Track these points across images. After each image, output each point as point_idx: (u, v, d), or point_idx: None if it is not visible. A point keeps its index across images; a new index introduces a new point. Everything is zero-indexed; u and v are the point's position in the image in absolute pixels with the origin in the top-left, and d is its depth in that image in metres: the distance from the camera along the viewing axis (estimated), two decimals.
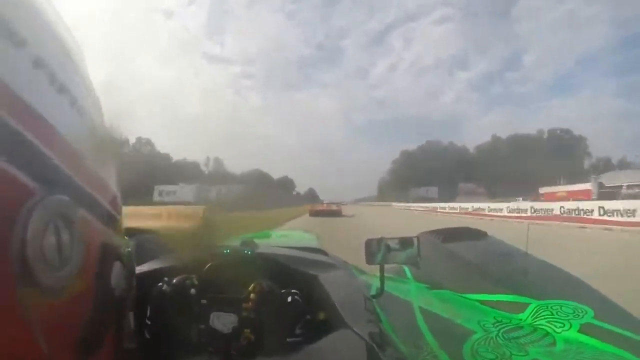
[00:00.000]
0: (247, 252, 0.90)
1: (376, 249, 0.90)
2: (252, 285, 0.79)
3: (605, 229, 10.17)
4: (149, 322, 0.79)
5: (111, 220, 0.37)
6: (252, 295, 0.78)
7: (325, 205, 25.00)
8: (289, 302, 0.79)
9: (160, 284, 0.80)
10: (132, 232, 1.28)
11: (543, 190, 33.05)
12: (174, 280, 0.80)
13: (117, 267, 0.36)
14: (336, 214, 21.28)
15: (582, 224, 11.37)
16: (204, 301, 0.79)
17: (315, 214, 21.35)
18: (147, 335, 0.78)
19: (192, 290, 0.79)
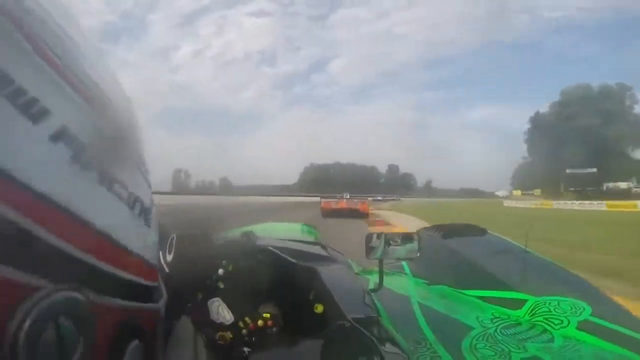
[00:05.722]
0: (246, 244, 0.90)
1: (376, 243, 0.89)
2: (251, 275, 0.78)
3: None
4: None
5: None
6: (250, 286, 0.78)
7: (344, 202, 17.48)
8: (288, 296, 0.78)
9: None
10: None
11: None
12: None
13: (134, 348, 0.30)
14: (360, 215, 14.94)
15: None
16: (202, 290, 0.78)
17: (329, 214, 15.20)
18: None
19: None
